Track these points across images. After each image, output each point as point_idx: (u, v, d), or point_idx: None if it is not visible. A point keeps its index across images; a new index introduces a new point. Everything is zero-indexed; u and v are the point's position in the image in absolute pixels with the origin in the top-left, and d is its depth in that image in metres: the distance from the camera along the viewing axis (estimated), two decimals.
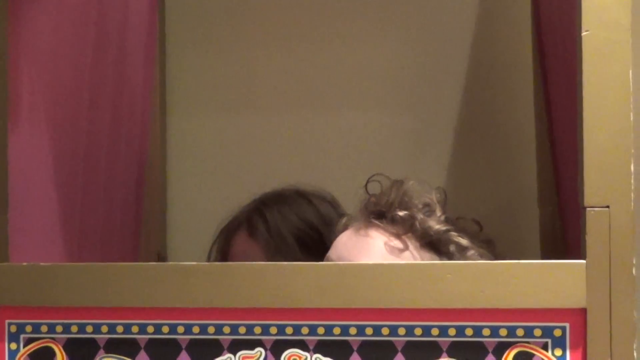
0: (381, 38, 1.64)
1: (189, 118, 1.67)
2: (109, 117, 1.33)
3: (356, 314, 0.95)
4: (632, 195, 0.90)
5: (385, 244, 1.18)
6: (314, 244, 1.50)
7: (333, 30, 1.64)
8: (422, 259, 1.18)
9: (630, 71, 0.91)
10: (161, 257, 1.66)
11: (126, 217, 1.38)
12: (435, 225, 1.20)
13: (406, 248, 1.17)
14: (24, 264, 1.01)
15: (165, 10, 1.67)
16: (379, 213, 1.21)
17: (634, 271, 0.90)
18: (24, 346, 1.01)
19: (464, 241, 1.21)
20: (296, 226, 1.50)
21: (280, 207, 1.51)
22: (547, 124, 1.50)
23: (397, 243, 1.18)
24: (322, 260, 1.48)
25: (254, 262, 0.99)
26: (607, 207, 0.91)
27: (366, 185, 1.27)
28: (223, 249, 1.49)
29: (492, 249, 1.24)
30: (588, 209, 0.91)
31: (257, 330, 0.97)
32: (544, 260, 1.45)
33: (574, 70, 1.15)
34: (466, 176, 1.60)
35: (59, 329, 1.01)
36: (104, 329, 1.00)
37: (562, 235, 1.46)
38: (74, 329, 1.00)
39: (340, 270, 0.96)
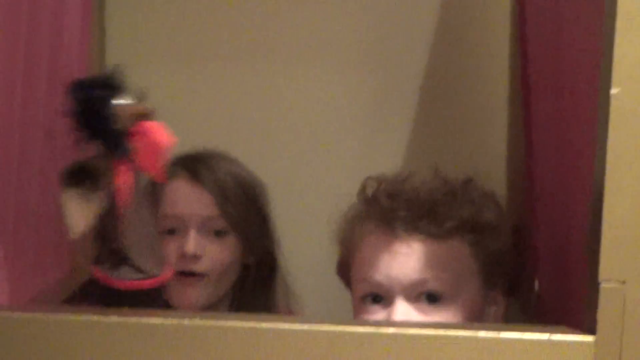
0: None
1: (130, 73, 1.50)
2: (45, 79, 1.18)
3: None
4: None
5: (435, 255, 1.13)
6: (255, 196, 1.42)
7: None
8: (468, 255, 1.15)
9: None
10: None
11: None
12: (479, 211, 1.17)
13: (455, 252, 1.14)
14: None
15: None
16: (412, 220, 1.13)
17: None
18: None
19: (491, 217, 1.18)
20: (236, 173, 1.40)
21: (215, 158, 1.42)
22: (522, 90, 1.39)
23: (444, 250, 1.13)
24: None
25: (249, 323, 0.87)
26: (624, 282, 0.83)
27: (364, 189, 1.21)
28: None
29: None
30: (602, 282, 0.84)
31: None
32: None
33: (557, 36, 1.04)
34: (434, 141, 1.49)
35: None
36: None
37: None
38: None
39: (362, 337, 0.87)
